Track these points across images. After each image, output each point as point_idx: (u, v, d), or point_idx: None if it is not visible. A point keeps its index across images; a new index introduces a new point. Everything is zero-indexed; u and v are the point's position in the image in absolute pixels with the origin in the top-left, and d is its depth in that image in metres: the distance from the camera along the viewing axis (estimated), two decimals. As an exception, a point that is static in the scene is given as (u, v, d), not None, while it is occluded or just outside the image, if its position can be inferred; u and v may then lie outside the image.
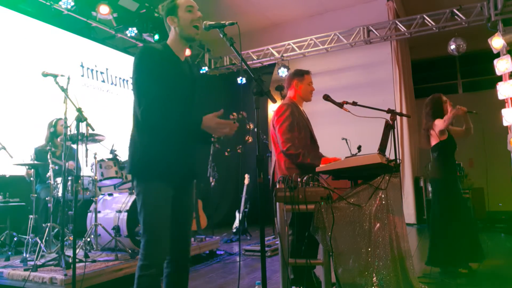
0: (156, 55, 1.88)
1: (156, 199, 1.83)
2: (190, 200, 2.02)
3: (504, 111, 5.55)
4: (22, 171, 4.39)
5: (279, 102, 3.14)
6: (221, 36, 1.96)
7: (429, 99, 3.82)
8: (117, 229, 3.74)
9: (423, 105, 3.87)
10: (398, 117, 3.14)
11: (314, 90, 3.09)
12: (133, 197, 3.86)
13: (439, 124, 3.59)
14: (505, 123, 5.54)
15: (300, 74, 3.06)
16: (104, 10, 5.67)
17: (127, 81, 6.93)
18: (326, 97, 3.00)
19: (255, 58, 7.79)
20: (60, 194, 3.73)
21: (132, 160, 1.89)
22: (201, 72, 8.11)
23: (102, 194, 4.23)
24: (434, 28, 6.37)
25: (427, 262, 3.52)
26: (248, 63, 3.11)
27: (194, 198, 2.06)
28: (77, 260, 2.81)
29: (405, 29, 6.58)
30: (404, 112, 6.66)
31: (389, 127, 2.81)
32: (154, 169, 1.83)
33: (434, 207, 3.62)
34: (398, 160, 2.76)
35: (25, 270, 3.09)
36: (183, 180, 1.97)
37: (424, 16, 6.40)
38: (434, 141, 3.68)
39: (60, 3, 5.39)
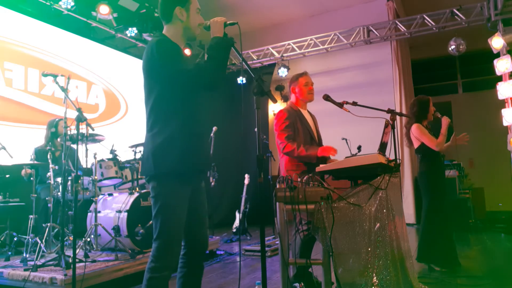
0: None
1: (178, 202, 1.79)
2: (204, 197, 2.00)
3: (504, 111, 5.55)
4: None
5: (279, 102, 3.17)
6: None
7: (416, 100, 3.83)
8: (117, 229, 3.73)
9: (410, 105, 3.88)
10: (398, 117, 3.15)
11: (311, 89, 3.11)
12: (133, 197, 3.86)
13: (414, 131, 3.64)
14: (505, 123, 5.54)
15: (295, 79, 3.16)
16: (104, 10, 5.67)
17: (126, 81, 6.92)
18: (326, 97, 3.03)
19: (255, 58, 7.79)
20: (60, 194, 3.73)
21: (156, 160, 1.79)
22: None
23: (102, 194, 4.22)
24: (434, 28, 6.36)
25: (417, 258, 3.58)
26: (248, 63, 3.12)
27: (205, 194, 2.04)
28: (77, 260, 2.81)
29: (405, 29, 6.57)
30: (404, 112, 6.65)
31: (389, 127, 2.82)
32: (183, 168, 1.79)
33: (424, 207, 3.70)
34: (398, 160, 2.77)
35: (25, 270, 3.09)
36: (201, 177, 1.98)
37: (424, 16, 6.39)
38: (416, 143, 3.70)
39: (60, 3, 5.39)
